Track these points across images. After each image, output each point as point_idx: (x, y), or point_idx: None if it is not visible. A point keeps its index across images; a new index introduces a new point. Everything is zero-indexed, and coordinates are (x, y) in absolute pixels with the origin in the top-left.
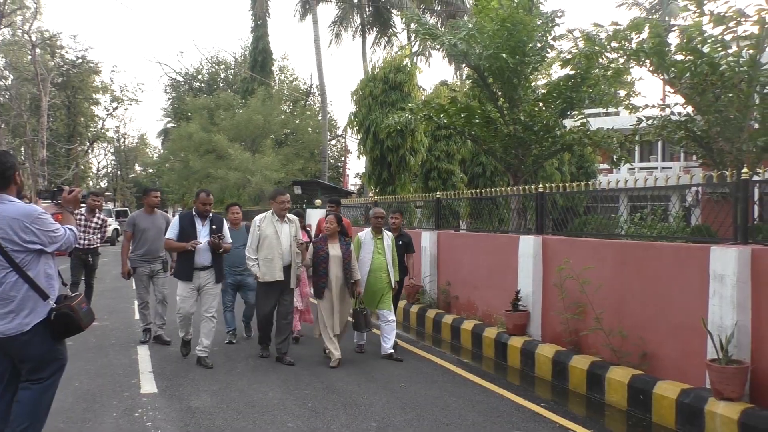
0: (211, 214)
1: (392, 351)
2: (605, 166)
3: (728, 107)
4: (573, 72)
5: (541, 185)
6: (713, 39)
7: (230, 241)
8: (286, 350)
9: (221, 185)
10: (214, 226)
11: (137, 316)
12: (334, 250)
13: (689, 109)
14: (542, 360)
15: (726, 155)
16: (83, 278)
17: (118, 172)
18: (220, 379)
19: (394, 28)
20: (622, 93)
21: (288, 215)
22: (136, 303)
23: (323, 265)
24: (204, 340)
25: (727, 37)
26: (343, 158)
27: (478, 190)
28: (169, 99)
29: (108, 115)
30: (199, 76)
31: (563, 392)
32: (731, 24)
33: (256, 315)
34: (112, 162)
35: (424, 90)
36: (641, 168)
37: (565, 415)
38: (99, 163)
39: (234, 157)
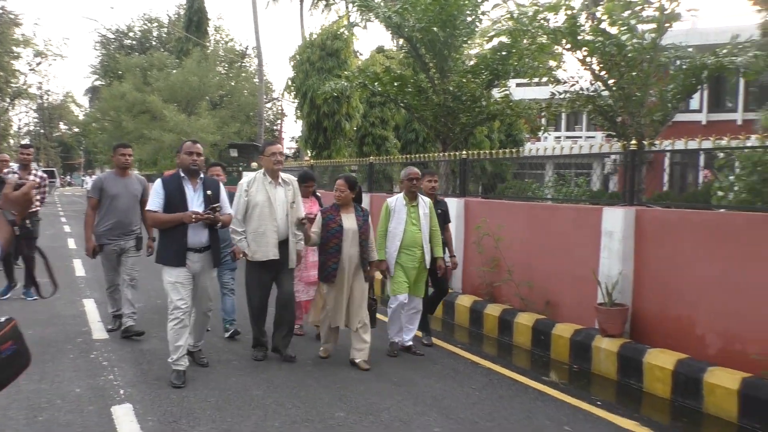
0: (202, 175)
1: (411, 343)
2: (550, 133)
3: (630, 85)
4: (499, 46)
5: (464, 152)
6: (621, 22)
7: (230, 210)
8: (287, 345)
9: (155, 147)
10: (208, 191)
11: (78, 272)
12: (349, 221)
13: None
14: (461, 309)
15: (628, 128)
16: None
17: (42, 131)
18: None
19: None
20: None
21: (283, 176)
22: (86, 304)
23: (334, 240)
24: (197, 335)
25: (632, 21)
26: (279, 121)
27: (409, 156)
28: (98, 56)
29: (30, 70)
30: (131, 34)
31: (478, 336)
32: (636, 9)
33: (247, 303)
34: (35, 120)
35: (361, 55)
36: (567, 137)
37: (478, 354)
38: (20, 120)
39: (169, 119)
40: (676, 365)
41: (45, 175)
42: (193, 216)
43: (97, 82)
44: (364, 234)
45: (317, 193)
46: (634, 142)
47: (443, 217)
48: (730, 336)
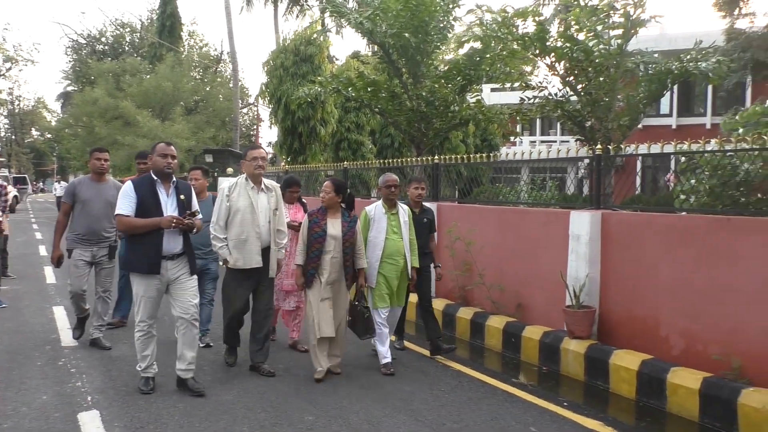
0: (175, 180)
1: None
2: (520, 138)
3: (598, 90)
4: (471, 51)
5: (437, 157)
6: (587, 28)
7: (201, 216)
8: (265, 358)
9: (129, 152)
10: (182, 196)
11: (49, 279)
12: (334, 227)
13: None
14: (434, 313)
15: (596, 133)
16: None
17: (13, 137)
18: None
19: None
20: (528, 69)
21: (266, 182)
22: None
23: (316, 245)
24: (187, 353)
25: (599, 27)
26: (255, 127)
27: (383, 161)
28: (70, 61)
29: (0, 75)
30: (103, 39)
31: (451, 340)
32: (602, 15)
33: (223, 312)
34: (6, 126)
35: (337, 60)
36: (542, 141)
37: (451, 357)
38: None
39: (142, 125)
40: (640, 366)
41: (4, 183)
42: (173, 221)
43: (70, 88)
44: (348, 241)
45: (302, 200)
46: (599, 146)
47: (429, 226)
48: (692, 337)
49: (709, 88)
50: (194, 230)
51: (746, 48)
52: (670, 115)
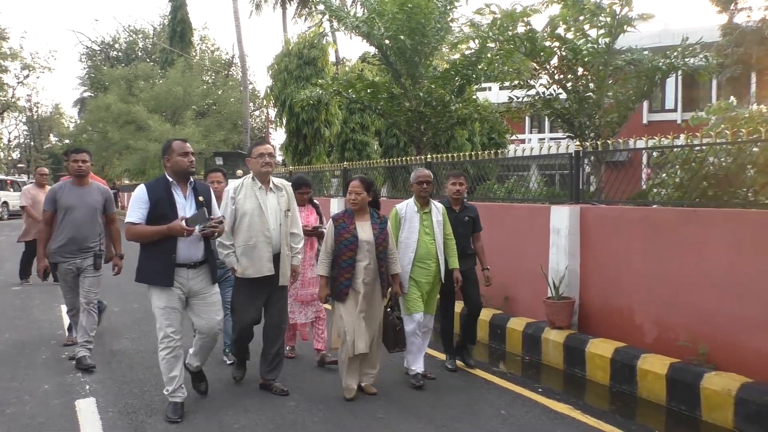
0: (193, 181)
1: (422, 370)
2: (517, 136)
3: (585, 88)
4: (469, 52)
5: (429, 156)
6: (575, 27)
7: (219, 213)
8: (276, 376)
9: (141, 156)
10: (200, 198)
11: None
12: (364, 231)
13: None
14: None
15: (585, 129)
16: None
17: (32, 143)
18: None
19: None
20: (533, 65)
21: (275, 180)
22: (63, 309)
23: (348, 253)
24: (193, 362)
25: (586, 26)
26: (266, 129)
27: (380, 161)
28: (84, 68)
29: (18, 83)
30: (116, 45)
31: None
32: (588, 14)
33: (233, 325)
34: (25, 132)
35: (348, 60)
36: (551, 138)
37: (437, 348)
38: (10, 133)
39: (154, 129)
40: (613, 353)
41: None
42: (186, 228)
43: (86, 93)
44: (382, 245)
45: (314, 201)
46: (577, 143)
47: (472, 225)
48: (663, 324)
49: (713, 83)
50: (216, 235)
51: (740, 43)
52: (675, 110)
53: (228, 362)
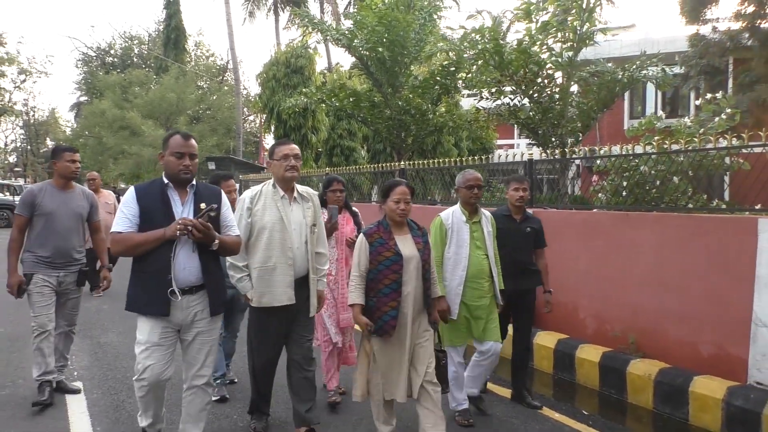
0: (195, 182)
1: (479, 393)
2: (504, 141)
3: (549, 99)
4: (447, 62)
5: (403, 163)
6: (540, 42)
7: (237, 230)
8: (316, 418)
9: (136, 161)
10: (202, 204)
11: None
12: (407, 247)
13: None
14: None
15: (549, 138)
16: None
17: (28, 147)
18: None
19: (306, 7)
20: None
21: (300, 188)
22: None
23: (391, 276)
24: (189, 428)
25: (550, 41)
26: (260, 135)
27: (357, 166)
28: (81, 73)
29: (15, 87)
30: (112, 51)
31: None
32: (552, 30)
33: (250, 364)
34: (21, 136)
35: (342, 67)
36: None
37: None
38: (7, 137)
39: (147, 134)
40: (556, 344)
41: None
42: (182, 227)
43: (82, 98)
44: (428, 263)
45: (353, 208)
46: (530, 152)
47: (535, 238)
48: (600, 318)
49: (692, 93)
50: (215, 245)
51: (703, 54)
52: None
53: (215, 398)
